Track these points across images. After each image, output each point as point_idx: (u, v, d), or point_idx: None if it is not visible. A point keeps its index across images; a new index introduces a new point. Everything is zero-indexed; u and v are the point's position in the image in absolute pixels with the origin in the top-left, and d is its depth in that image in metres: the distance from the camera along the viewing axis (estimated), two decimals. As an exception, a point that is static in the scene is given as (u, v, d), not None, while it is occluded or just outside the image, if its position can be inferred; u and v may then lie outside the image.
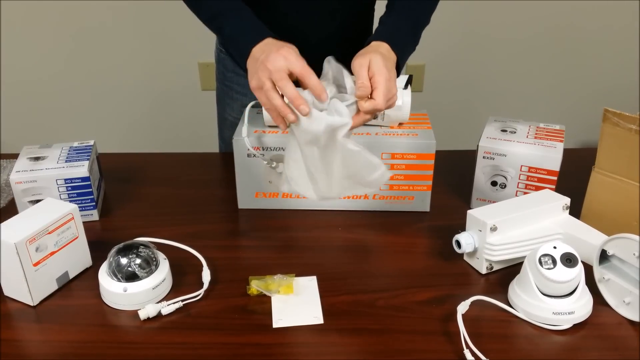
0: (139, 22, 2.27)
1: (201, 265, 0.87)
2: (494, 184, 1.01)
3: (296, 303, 0.82)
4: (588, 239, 0.83)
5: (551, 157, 0.95)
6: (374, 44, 0.90)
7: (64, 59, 2.33)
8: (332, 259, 0.92)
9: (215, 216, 1.04)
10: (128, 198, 1.10)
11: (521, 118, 1.11)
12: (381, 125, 1.03)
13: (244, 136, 0.98)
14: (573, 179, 0.98)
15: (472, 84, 2.44)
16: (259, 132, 1.00)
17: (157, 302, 0.81)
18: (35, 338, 0.77)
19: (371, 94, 0.82)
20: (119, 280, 0.80)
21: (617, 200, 0.90)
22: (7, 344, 0.75)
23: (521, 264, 0.80)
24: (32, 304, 0.81)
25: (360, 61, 0.84)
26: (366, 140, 0.98)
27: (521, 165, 0.97)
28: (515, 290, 0.80)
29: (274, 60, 0.81)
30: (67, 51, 2.31)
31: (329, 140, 0.79)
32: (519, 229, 0.86)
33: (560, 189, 0.94)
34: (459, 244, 0.87)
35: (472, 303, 0.77)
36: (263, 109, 0.97)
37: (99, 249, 0.89)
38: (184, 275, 0.87)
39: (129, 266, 0.81)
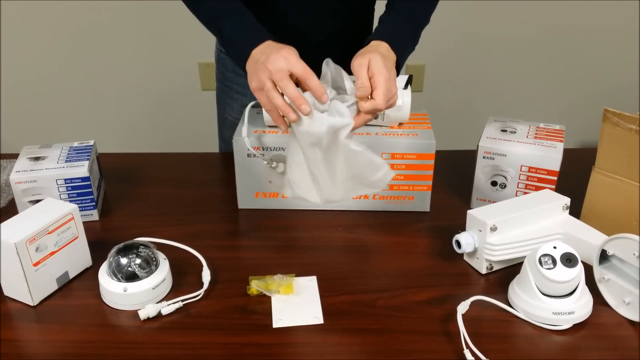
0: (138, 22, 2.27)
1: (201, 265, 0.87)
2: (494, 184, 1.01)
3: (296, 303, 0.82)
4: (588, 239, 0.83)
5: (551, 157, 0.95)
6: (373, 43, 0.90)
7: (64, 59, 2.33)
8: (332, 259, 0.92)
9: (215, 216, 1.04)
10: (128, 198, 1.10)
11: (521, 118, 1.11)
12: (381, 125, 1.03)
13: (244, 136, 0.98)
14: (573, 179, 0.98)
15: (472, 84, 2.44)
16: (259, 132, 1.00)
17: (157, 302, 0.81)
18: (35, 338, 0.77)
19: (371, 94, 0.82)
20: (119, 280, 0.80)
21: (617, 200, 0.90)
22: (7, 344, 0.75)
23: (521, 264, 0.80)
24: (32, 304, 0.81)
25: (359, 61, 0.83)
26: (366, 141, 0.98)
27: (521, 165, 0.97)
28: (515, 290, 0.80)
29: (275, 61, 0.81)
30: (67, 51, 2.31)
31: (331, 141, 0.79)
32: (519, 229, 0.86)
33: (560, 189, 0.94)
34: (459, 244, 0.87)
35: (472, 303, 0.77)
36: (263, 109, 0.97)
37: (99, 249, 0.89)
38: (184, 275, 0.87)
39: (129, 266, 0.81)
